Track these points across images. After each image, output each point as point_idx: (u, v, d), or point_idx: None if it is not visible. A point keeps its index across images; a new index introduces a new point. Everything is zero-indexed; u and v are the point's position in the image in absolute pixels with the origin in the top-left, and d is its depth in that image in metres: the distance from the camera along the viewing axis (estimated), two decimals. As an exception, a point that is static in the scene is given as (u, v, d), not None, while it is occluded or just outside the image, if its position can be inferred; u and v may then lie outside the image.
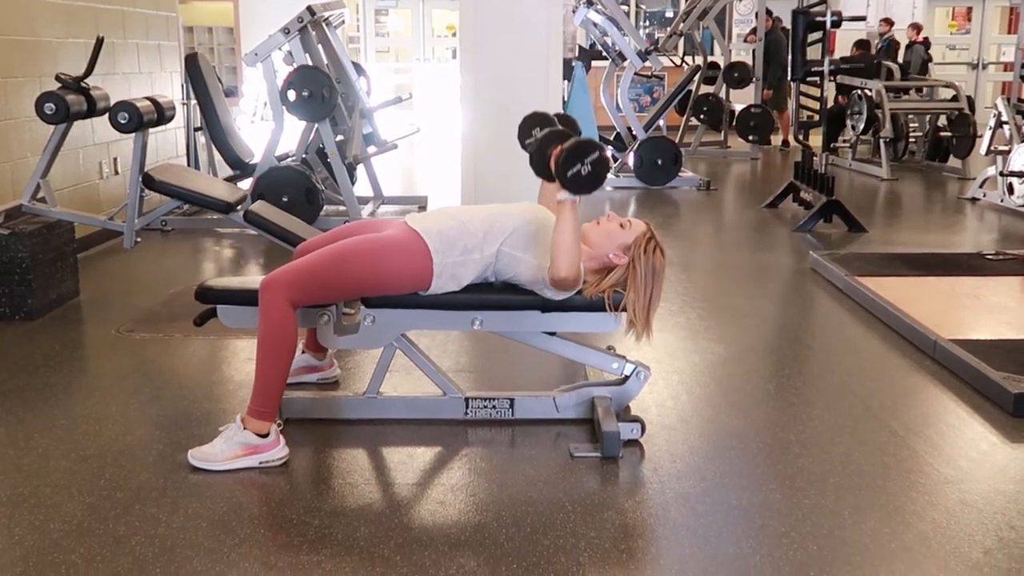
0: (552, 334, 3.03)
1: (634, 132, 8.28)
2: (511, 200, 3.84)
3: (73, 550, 2.26)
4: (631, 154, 8.21)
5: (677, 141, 10.68)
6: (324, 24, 6.45)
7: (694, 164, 9.85)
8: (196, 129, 6.78)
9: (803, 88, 6.90)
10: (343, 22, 6.88)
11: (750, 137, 10.01)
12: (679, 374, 3.54)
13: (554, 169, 2.67)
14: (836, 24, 6.21)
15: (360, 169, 7.09)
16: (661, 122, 8.76)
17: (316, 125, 6.05)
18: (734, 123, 10.11)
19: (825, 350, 4.03)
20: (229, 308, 2.97)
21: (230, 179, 6.47)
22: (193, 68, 6.34)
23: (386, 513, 2.47)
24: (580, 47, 8.01)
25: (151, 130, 4.66)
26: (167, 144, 6.90)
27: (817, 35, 6.49)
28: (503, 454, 2.88)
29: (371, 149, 6.95)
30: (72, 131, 5.12)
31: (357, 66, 7.10)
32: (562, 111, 5.07)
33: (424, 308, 2.93)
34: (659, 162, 8.07)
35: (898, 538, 2.35)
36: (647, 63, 8.04)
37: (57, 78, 4.14)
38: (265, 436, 2.72)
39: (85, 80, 4.20)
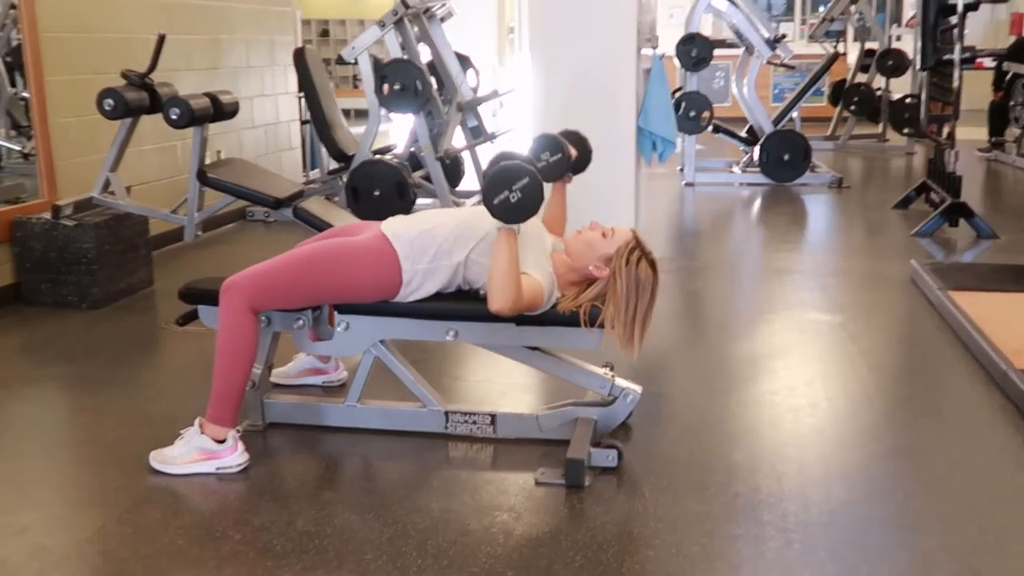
0: (535, 348, 2.85)
1: (762, 125, 7.82)
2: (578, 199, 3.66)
3: (-4, 548, 2.29)
4: (756, 149, 7.76)
5: (829, 134, 10.09)
6: (424, 15, 6.41)
7: (843, 159, 9.25)
8: (304, 122, 6.91)
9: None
10: (450, 14, 6.81)
11: (904, 130, 9.27)
12: (698, 397, 3.26)
13: (481, 196, 2.50)
14: (972, 7, 5.59)
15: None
16: (795, 114, 8.23)
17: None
18: (888, 114, 9.40)
19: (885, 376, 3.61)
20: (211, 309, 2.94)
21: (334, 172, 6.56)
22: (300, 62, 6.43)
23: (311, 532, 2.37)
24: (697, 36, 7.61)
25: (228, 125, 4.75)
26: (280, 137, 7.09)
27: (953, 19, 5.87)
28: (468, 476, 2.71)
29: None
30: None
31: (463, 58, 7.02)
32: (637, 106, 4.82)
33: (398, 316, 2.82)
34: (786, 157, 7.58)
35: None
36: (776, 52, 7.57)
37: (123, 75, 4.27)
38: (222, 442, 2.68)
39: (149, 76, 4.31)
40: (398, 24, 6.11)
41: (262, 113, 6.80)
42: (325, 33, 15.79)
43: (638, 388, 2.85)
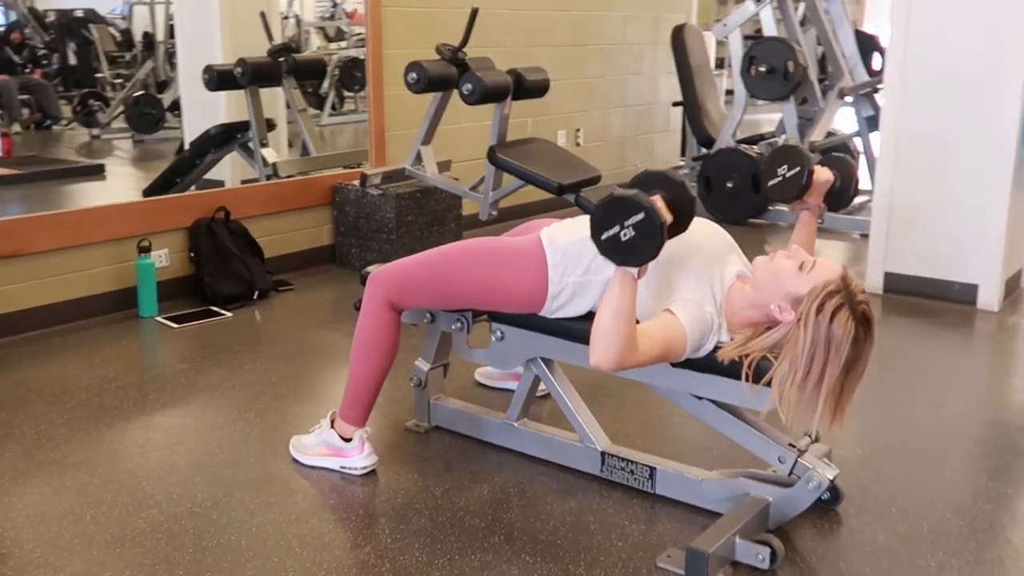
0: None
1: None
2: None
3: (148, 489, 2.33)
4: None
5: None
6: (815, -10, 5.66)
7: None
8: (674, 104, 6.50)
9: None
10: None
11: None
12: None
13: (589, 228, 1.99)
14: None
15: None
16: None
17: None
18: None
19: None
20: (384, 296, 2.76)
21: (699, 159, 6.11)
22: (678, 41, 6.04)
23: (368, 564, 2.08)
24: None
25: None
26: (655, 118, 6.78)
27: None
28: (585, 538, 2.21)
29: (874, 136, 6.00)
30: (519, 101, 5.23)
31: (869, 39, 6.12)
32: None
33: (549, 334, 2.41)
34: None
35: None
36: None
37: (436, 49, 4.23)
38: (348, 441, 2.50)
39: (462, 50, 4.22)
40: (779, -1, 5.48)
41: (636, 92, 6.52)
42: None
43: (830, 473, 2.15)
